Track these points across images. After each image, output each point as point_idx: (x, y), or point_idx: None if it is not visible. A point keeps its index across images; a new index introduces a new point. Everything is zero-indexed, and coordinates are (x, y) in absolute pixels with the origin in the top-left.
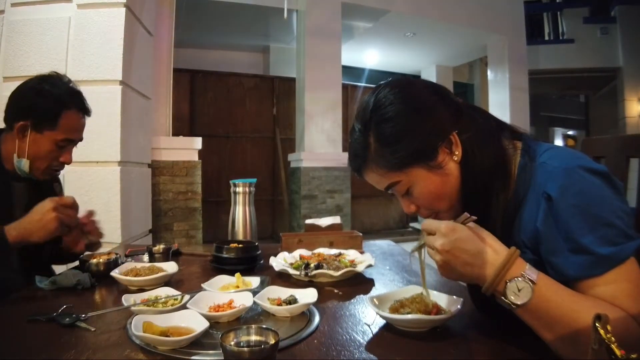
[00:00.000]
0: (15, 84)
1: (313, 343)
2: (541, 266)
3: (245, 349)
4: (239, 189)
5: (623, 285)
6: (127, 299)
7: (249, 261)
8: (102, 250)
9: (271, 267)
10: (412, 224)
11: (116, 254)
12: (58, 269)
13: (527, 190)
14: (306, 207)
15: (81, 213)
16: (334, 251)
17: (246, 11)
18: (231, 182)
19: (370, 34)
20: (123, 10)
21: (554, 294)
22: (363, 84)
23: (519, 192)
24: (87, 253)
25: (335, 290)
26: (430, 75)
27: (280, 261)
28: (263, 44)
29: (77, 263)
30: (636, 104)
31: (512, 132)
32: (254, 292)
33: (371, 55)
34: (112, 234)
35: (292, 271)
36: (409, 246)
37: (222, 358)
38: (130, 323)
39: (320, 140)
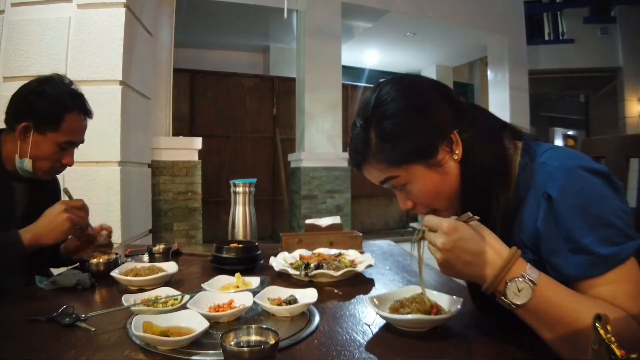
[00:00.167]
0: (15, 83)
1: (313, 343)
2: (541, 266)
3: (245, 349)
4: (239, 189)
5: (623, 285)
6: (127, 299)
7: (249, 261)
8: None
9: (271, 267)
10: (412, 224)
11: (116, 254)
12: (58, 269)
13: (528, 190)
14: (306, 207)
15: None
16: (334, 251)
17: (246, 11)
18: (231, 182)
19: (370, 34)
20: (123, 10)
21: (555, 294)
22: (363, 84)
23: (519, 192)
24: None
25: (335, 290)
26: (430, 75)
27: (280, 261)
28: (263, 44)
29: (76, 263)
30: (636, 104)
31: (512, 131)
32: (254, 292)
33: (371, 55)
34: (112, 234)
35: (292, 271)
36: (409, 246)
37: (222, 358)
38: (130, 323)
39: (320, 140)
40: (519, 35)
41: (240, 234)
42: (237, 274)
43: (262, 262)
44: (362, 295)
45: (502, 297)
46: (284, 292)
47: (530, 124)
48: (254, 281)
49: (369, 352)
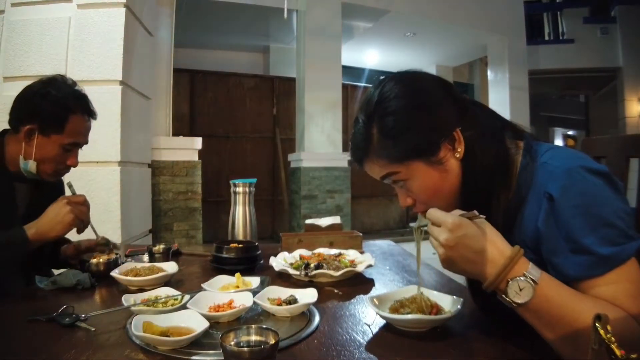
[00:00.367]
0: (15, 84)
1: (313, 343)
2: (542, 266)
3: (245, 349)
4: (239, 189)
5: (624, 285)
6: (127, 299)
7: (249, 261)
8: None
9: (271, 267)
10: (412, 224)
11: (116, 254)
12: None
13: (529, 190)
14: (306, 207)
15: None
16: (334, 251)
17: (246, 11)
18: (231, 182)
19: (370, 34)
20: (123, 10)
21: (556, 294)
22: (363, 84)
23: (520, 192)
24: (87, 253)
25: (335, 290)
26: None
27: (280, 261)
28: (263, 44)
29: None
30: (636, 104)
31: (514, 131)
32: (254, 292)
33: (371, 55)
34: (112, 234)
35: (292, 271)
36: (409, 246)
37: (222, 358)
38: (130, 323)
39: (320, 140)
40: (519, 35)
41: (240, 234)
42: (237, 274)
43: (262, 262)
44: (362, 295)
45: (503, 296)
46: (284, 292)
47: (530, 124)
48: (254, 281)
49: (369, 352)
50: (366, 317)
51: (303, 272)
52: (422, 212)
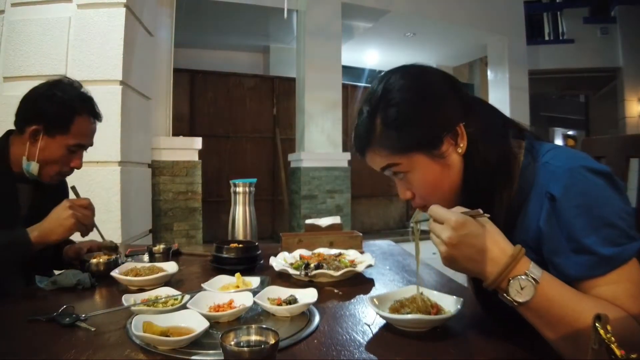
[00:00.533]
0: (15, 84)
1: (313, 343)
2: (543, 266)
3: (245, 349)
4: (239, 189)
5: (625, 285)
6: (127, 299)
7: (249, 261)
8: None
9: (271, 267)
10: (410, 223)
11: (116, 254)
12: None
13: (530, 189)
14: (306, 207)
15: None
16: (334, 251)
17: (246, 11)
18: (231, 182)
19: (370, 34)
20: (123, 10)
21: (557, 294)
22: (363, 84)
23: (522, 192)
24: (88, 253)
25: (335, 290)
26: None
27: (280, 261)
28: (263, 44)
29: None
30: (636, 104)
31: (517, 129)
32: (254, 292)
33: (371, 55)
34: (112, 234)
35: (292, 271)
36: (409, 246)
37: (222, 358)
38: (130, 323)
39: (320, 140)
40: (519, 35)
41: (240, 234)
42: (237, 274)
43: (262, 262)
44: (362, 295)
45: (505, 295)
46: (284, 292)
47: (530, 124)
48: (254, 281)
49: (369, 352)
50: (366, 317)
51: (303, 272)
52: (420, 207)
